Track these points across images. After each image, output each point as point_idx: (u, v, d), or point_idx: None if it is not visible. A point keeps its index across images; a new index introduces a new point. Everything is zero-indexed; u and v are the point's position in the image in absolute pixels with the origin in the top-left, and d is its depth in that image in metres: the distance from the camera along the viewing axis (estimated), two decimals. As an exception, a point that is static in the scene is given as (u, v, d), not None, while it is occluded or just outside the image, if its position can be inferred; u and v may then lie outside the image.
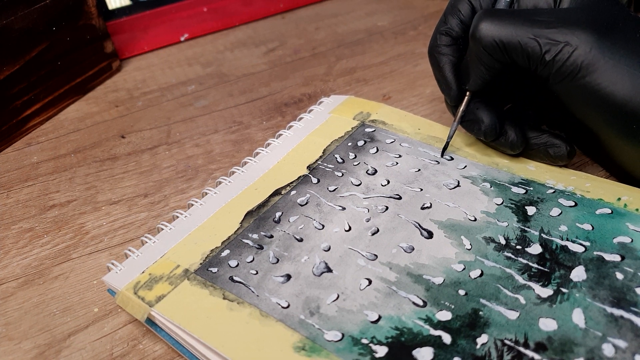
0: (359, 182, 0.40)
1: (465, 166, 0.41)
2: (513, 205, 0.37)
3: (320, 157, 0.43)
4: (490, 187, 0.38)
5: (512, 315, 0.29)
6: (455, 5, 0.41)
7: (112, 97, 0.59)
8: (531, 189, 0.38)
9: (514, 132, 0.40)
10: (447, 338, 0.29)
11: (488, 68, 0.37)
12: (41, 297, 0.37)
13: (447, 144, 0.42)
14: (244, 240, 0.36)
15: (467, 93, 0.40)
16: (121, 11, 0.68)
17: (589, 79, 0.34)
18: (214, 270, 0.34)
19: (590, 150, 0.43)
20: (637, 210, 0.35)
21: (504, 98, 0.44)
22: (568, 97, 0.36)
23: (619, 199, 0.36)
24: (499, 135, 0.40)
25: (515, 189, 0.38)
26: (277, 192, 0.40)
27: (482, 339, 0.28)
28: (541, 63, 0.35)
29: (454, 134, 0.42)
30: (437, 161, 0.41)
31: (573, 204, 0.36)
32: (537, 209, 0.36)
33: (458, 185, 0.39)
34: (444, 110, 0.51)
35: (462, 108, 0.41)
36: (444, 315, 0.30)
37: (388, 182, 0.40)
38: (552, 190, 0.38)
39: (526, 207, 0.36)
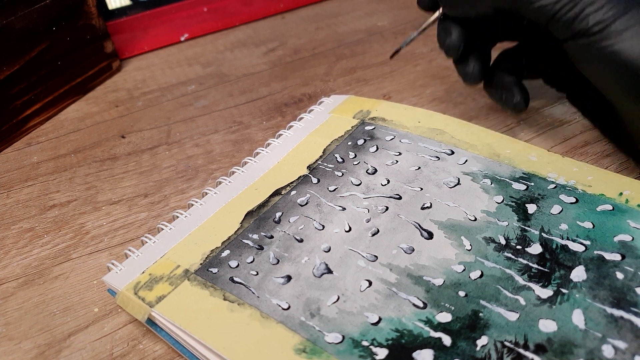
0: (359, 182, 0.40)
1: (466, 160, 0.41)
2: (513, 204, 0.36)
3: (321, 157, 0.43)
4: (491, 183, 0.38)
5: (512, 316, 0.29)
6: None
7: (112, 97, 0.59)
8: (532, 184, 0.38)
9: (476, 63, 0.38)
10: (447, 340, 0.29)
11: (480, 5, 0.35)
12: (41, 297, 0.37)
13: (399, 49, 0.41)
14: (244, 240, 0.36)
15: (439, 11, 0.38)
16: (121, 11, 0.68)
17: (608, 41, 0.31)
18: (214, 270, 0.34)
19: (594, 115, 0.41)
20: (638, 206, 0.35)
21: (489, 35, 0.42)
22: (579, 56, 0.33)
23: (621, 193, 0.36)
24: (461, 57, 0.39)
25: (516, 185, 0.38)
26: (277, 192, 0.40)
27: (482, 340, 0.28)
28: (554, 19, 0.32)
29: (408, 43, 0.42)
30: (437, 157, 0.41)
31: (574, 200, 0.36)
32: (537, 206, 0.36)
33: (458, 183, 0.39)
34: (444, 110, 0.51)
35: (427, 22, 0.39)
36: (444, 317, 0.30)
37: (388, 181, 0.40)
38: (553, 186, 0.37)
39: (527, 205, 0.36)
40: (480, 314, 0.30)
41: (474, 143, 0.42)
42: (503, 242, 0.34)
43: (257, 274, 0.33)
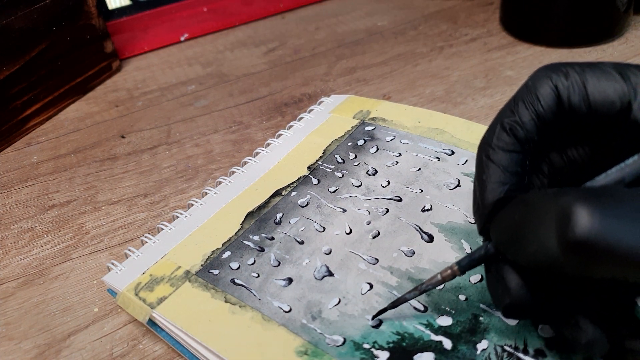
0: (360, 183, 0.40)
1: (466, 161, 0.40)
2: None
3: (321, 157, 0.43)
4: None
5: (512, 321, 0.29)
6: (532, 89, 0.26)
7: (112, 97, 0.59)
8: None
9: (590, 326, 0.24)
10: (447, 343, 0.29)
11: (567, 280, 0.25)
12: (41, 297, 0.37)
13: (384, 310, 0.30)
14: (244, 242, 0.36)
15: (487, 247, 0.26)
16: (121, 11, 0.68)
17: None
18: (215, 272, 0.34)
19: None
20: None
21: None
22: None
23: None
24: (539, 317, 0.27)
25: None
26: (277, 193, 0.40)
27: (482, 344, 0.28)
28: None
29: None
30: (437, 157, 0.41)
31: None
32: None
33: (458, 185, 0.39)
34: (444, 110, 0.51)
35: (433, 279, 0.28)
36: (445, 321, 0.30)
37: (388, 182, 0.40)
38: None
39: None
40: (481, 318, 0.30)
41: (475, 142, 0.42)
42: (503, 244, 0.34)
43: (258, 276, 0.33)
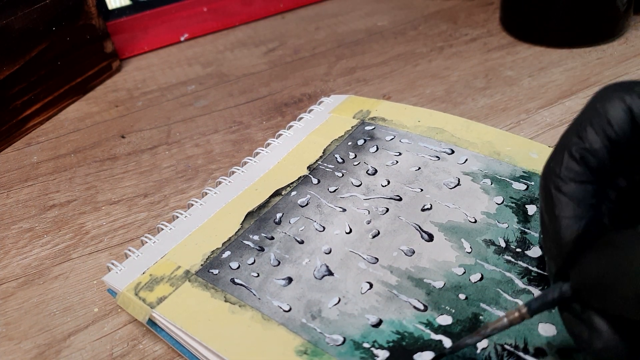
0: (359, 183, 0.40)
1: (466, 160, 0.41)
2: (513, 205, 0.36)
3: (321, 157, 0.43)
4: (491, 183, 0.38)
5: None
6: (601, 112, 0.24)
7: (112, 97, 0.59)
8: (532, 183, 0.38)
9: None
10: (447, 342, 0.29)
11: None
12: (41, 297, 0.37)
13: (442, 354, 0.28)
14: (244, 241, 0.36)
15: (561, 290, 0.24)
16: (121, 11, 0.68)
17: None
18: (215, 272, 0.34)
19: None
20: None
21: None
22: None
23: None
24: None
25: (516, 185, 0.38)
26: (277, 193, 0.40)
27: (483, 343, 0.28)
28: None
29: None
30: (437, 157, 0.41)
31: None
32: (537, 207, 0.36)
33: (458, 184, 0.39)
34: (444, 110, 0.51)
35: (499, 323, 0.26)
36: (445, 320, 0.30)
37: (388, 182, 0.40)
38: None
39: (527, 206, 0.36)
40: (481, 317, 0.30)
41: (474, 141, 0.42)
42: (503, 244, 0.34)
43: (258, 275, 0.33)
